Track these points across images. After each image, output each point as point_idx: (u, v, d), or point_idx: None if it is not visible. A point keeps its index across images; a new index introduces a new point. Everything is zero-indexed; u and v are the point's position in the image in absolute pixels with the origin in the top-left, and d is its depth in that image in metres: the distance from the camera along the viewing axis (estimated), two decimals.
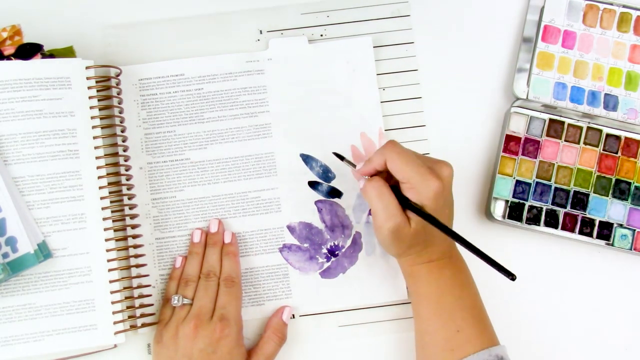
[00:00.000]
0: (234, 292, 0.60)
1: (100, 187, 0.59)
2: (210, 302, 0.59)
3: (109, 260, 0.59)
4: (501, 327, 0.57)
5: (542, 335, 0.64)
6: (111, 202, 0.60)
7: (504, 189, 0.65)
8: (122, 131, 0.62)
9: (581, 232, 0.64)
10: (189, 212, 0.63)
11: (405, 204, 0.54)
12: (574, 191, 0.65)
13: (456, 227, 0.59)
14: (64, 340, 0.57)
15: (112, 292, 0.58)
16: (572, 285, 0.65)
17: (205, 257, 0.62)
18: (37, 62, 0.59)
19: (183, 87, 0.65)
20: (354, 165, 0.59)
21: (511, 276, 0.49)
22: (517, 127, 0.66)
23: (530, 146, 0.65)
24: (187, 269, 0.61)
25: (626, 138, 0.65)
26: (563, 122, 0.66)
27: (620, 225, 0.64)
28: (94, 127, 0.60)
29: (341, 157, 0.61)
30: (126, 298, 0.60)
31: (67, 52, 0.62)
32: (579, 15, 0.67)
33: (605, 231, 0.64)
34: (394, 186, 0.55)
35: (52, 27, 0.65)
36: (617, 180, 0.65)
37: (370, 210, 0.63)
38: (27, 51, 0.60)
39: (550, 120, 0.66)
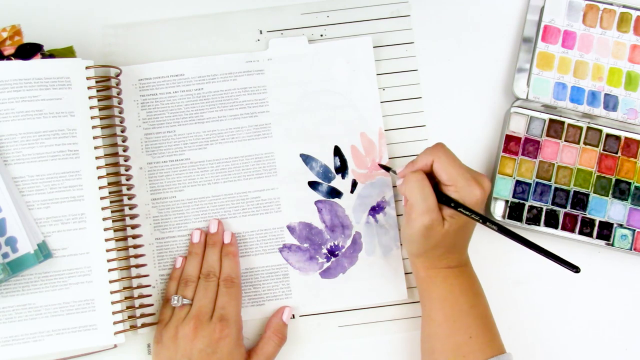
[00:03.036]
0: (233, 292, 0.60)
1: (100, 187, 0.59)
2: (209, 303, 0.59)
3: (109, 260, 0.59)
4: (502, 327, 0.58)
5: (542, 335, 0.64)
6: (111, 202, 0.60)
7: (504, 189, 0.65)
8: (122, 131, 0.62)
9: (581, 232, 0.64)
10: (189, 212, 0.63)
11: (446, 201, 0.54)
12: (574, 191, 0.65)
13: None
14: (64, 341, 0.57)
15: (112, 292, 0.58)
16: (572, 285, 0.65)
17: (205, 257, 0.62)
18: (37, 62, 0.59)
19: (183, 87, 0.65)
20: (395, 172, 0.60)
21: (575, 269, 0.50)
22: (517, 127, 0.66)
23: (530, 146, 0.65)
24: (186, 269, 0.61)
25: (626, 138, 0.65)
26: (563, 122, 0.66)
27: (620, 226, 0.64)
28: (94, 127, 0.60)
29: (387, 168, 0.63)
30: (126, 298, 0.60)
31: (67, 52, 0.62)
32: (579, 16, 0.67)
33: (605, 231, 0.64)
34: (435, 185, 0.55)
35: (52, 27, 0.65)
36: (617, 180, 0.65)
37: (406, 202, 0.60)
38: (27, 51, 0.59)
39: (550, 120, 0.65)
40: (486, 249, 0.64)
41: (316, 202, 0.64)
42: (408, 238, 0.57)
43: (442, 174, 0.55)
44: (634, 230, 0.64)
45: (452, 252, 0.57)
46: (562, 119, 0.66)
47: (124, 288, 0.59)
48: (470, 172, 0.55)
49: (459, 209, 0.54)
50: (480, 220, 0.54)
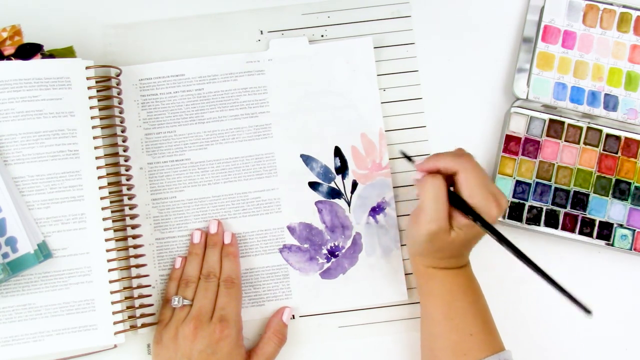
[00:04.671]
0: (233, 293, 0.60)
1: (101, 187, 0.59)
2: (210, 303, 0.59)
3: (109, 261, 0.59)
4: (503, 326, 0.57)
5: (542, 336, 0.64)
6: (111, 202, 0.60)
7: (504, 189, 0.65)
8: (122, 131, 0.62)
9: (581, 232, 0.64)
10: (189, 212, 0.63)
11: (465, 211, 0.53)
12: (574, 191, 0.65)
13: None
14: (64, 341, 0.57)
15: (112, 292, 0.58)
16: (572, 286, 0.65)
17: (205, 258, 0.62)
18: (37, 62, 0.59)
19: (183, 87, 0.64)
20: (413, 161, 0.57)
21: (587, 312, 0.48)
22: (517, 127, 0.66)
23: (530, 146, 0.65)
24: (187, 269, 0.61)
25: (626, 138, 0.65)
26: (563, 122, 0.66)
27: (620, 226, 0.64)
28: (94, 127, 0.60)
29: (408, 157, 0.58)
30: (126, 298, 0.60)
31: (67, 52, 0.62)
32: (579, 16, 0.67)
33: (605, 231, 0.64)
34: (452, 192, 0.54)
35: (52, 27, 0.65)
36: (617, 180, 0.65)
37: (419, 207, 0.56)
38: (27, 51, 0.59)
39: (550, 120, 0.66)
40: (488, 248, 0.64)
41: (316, 203, 0.64)
42: (412, 238, 0.57)
43: (464, 189, 0.53)
44: (634, 230, 0.64)
45: (454, 257, 0.57)
46: (562, 119, 0.66)
47: (124, 288, 0.59)
48: (491, 188, 0.54)
49: (477, 222, 0.52)
50: (497, 239, 0.52)
